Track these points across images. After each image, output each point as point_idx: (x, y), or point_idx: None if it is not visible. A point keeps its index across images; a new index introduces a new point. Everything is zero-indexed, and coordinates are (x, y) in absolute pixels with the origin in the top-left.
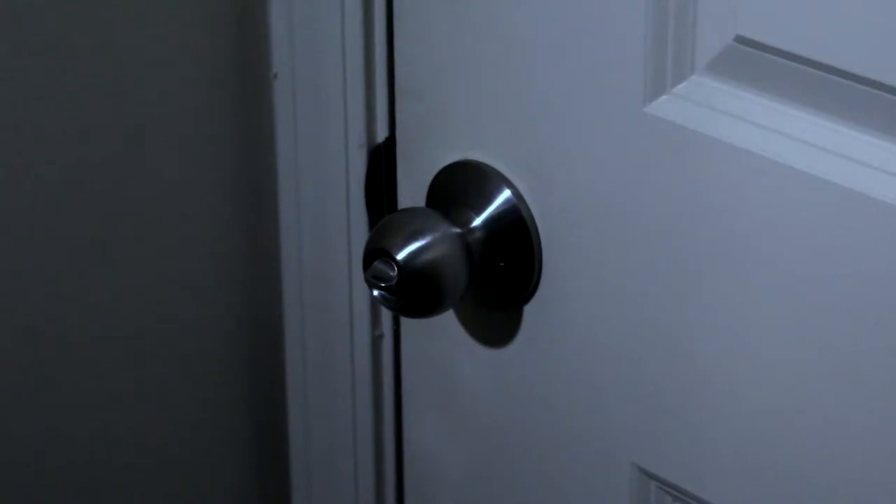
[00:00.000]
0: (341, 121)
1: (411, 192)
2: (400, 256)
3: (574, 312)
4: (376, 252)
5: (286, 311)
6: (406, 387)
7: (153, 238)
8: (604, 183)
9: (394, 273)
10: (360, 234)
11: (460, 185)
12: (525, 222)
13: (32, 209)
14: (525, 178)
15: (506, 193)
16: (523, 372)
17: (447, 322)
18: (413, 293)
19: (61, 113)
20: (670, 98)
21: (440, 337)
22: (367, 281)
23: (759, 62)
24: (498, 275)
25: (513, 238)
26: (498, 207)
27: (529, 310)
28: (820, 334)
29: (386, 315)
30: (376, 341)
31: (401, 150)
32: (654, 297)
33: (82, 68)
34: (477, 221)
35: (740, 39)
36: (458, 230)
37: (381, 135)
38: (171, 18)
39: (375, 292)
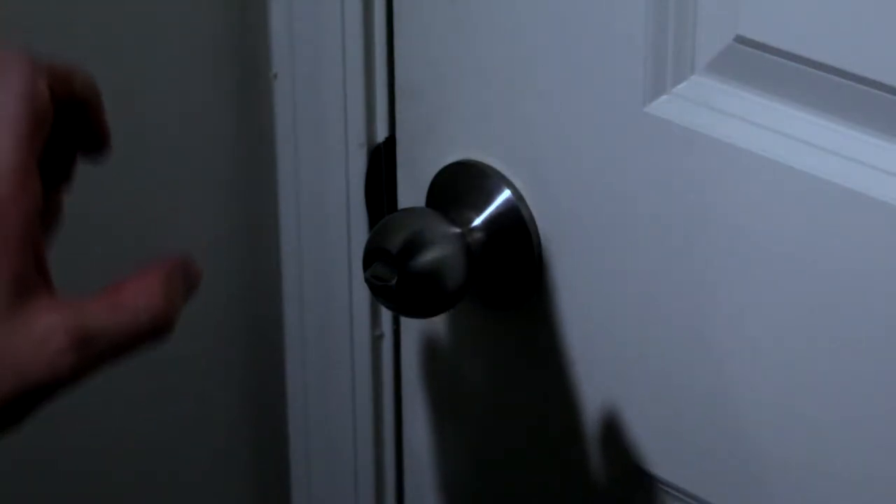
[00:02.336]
0: (341, 121)
1: (411, 192)
2: (400, 256)
3: (574, 313)
4: (376, 252)
5: (286, 311)
6: (406, 387)
7: (152, 238)
8: (604, 183)
9: (394, 273)
10: (360, 234)
11: (460, 185)
12: (525, 222)
13: None
14: (525, 178)
15: (506, 193)
16: (523, 372)
17: (447, 322)
18: (413, 293)
19: None
20: (670, 98)
21: (440, 337)
22: (367, 281)
23: (759, 62)
24: (498, 275)
25: (513, 238)
26: (498, 207)
27: (529, 310)
28: (820, 334)
29: (386, 315)
30: (376, 341)
31: (401, 150)
32: (655, 297)
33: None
34: (477, 221)
35: (740, 39)
36: (458, 230)
37: (381, 135)
38: (171, 18)
39: (375, 292)
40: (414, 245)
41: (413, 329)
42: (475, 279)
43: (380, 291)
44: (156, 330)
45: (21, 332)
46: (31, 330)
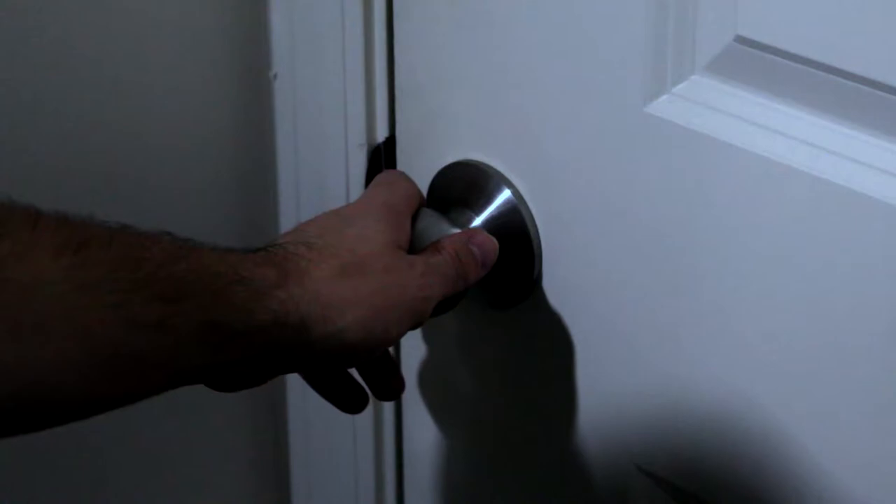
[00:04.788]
0: (341, 121)
1: None
2: None
3: (574, 312)
4: None
5: None
6: (406, 387)
7: None
8: (604, 183)
9: None
10: None
11: (460, 185)
12: (525, 222)
13: None
14: (525, 179)
15: (506, 193)
16: (523, 372)
17: (447, 322)
18: None
19: (60, 113)
20: (671, 98)
21: (440, 337)
22: None
23: (759, 62)
24: (498, 275)
25: (513, 238)
26: (498, 208)
27: (529, 310)
28: (820, 334)
29: None
30: None
31: (401, 150)
32: (655, 297)
33: (82, 68)
34: (477, 221)
35: (740, 39)
36: (458, 230)
37: (381, 135)
38: (171, 18)
39: None
40: (414, 245)
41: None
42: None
43: None
44: (462, 278)
45: (402, 260)
46: (405, 261)
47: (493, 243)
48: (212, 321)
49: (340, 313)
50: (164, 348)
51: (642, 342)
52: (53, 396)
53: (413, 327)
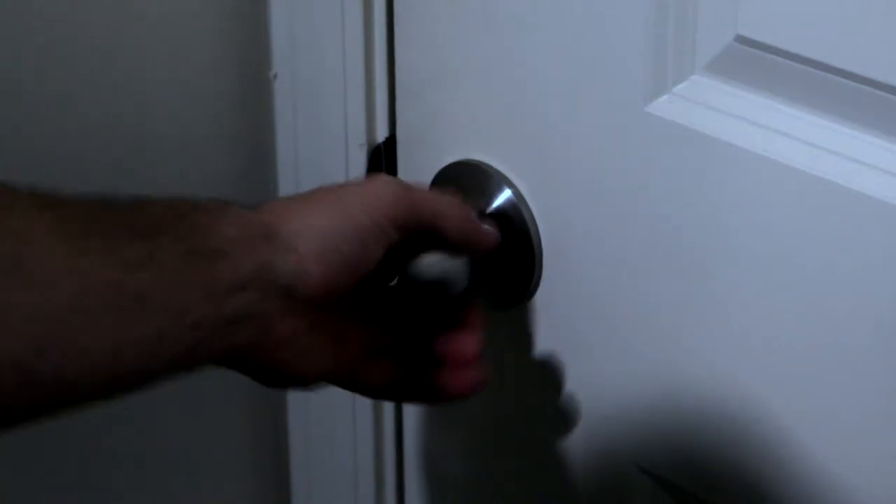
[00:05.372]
0: (341, 121)
1: None
2: None
3: (574, 312)
4: None
5: None
6: None
7: None
8: (604, 183)
9: None
10: None
11: (460, 185)
12: (525, 222)
13: None
14: (525, 178)
15: (506, 193)
16: (523, 371)
17: None
18: (414, 295)
19: (60, 112)
20: (671, 98)
21: None
22: None
23: (759, 62)
24: (498, 274)
25: (513, 238)
26: (498, 208)
27: (529, 310)
28: (820, 334)
29: None
30: None
31: (401, 150)
32: (655, 296)
33: (81, 68)
34: None
35: (740, 39)
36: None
37: (381, 135)
38: (171, 18)
39: None
40: (411, 271)
41: None
42: (476, 279)
43: None
44: (462, 234)
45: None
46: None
47: (495, 230)
48: (189, 249)
49: (304, 224)
50: (160, 285)
51: (642, 342)
52: (73, 344)
53: (393, 246)
